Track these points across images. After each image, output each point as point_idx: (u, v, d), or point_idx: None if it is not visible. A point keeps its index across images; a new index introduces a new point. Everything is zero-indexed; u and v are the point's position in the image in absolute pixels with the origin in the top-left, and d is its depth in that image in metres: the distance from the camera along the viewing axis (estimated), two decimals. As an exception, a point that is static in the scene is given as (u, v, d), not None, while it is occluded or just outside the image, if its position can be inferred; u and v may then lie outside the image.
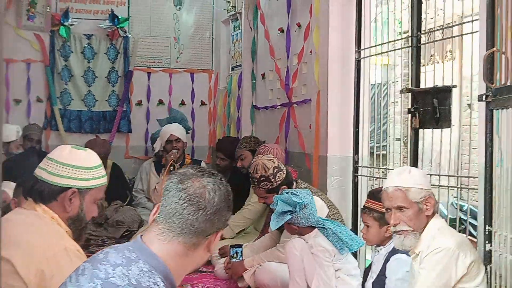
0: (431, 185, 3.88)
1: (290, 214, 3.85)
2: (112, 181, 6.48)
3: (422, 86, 4.07)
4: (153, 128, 7.77)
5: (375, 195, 3.42)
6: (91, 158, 2.42)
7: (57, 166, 2.33)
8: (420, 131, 4.16)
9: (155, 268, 1.66)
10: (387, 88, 6.15)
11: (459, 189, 3.69)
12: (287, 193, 3.91)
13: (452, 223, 5.08)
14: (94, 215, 2.47)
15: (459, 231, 3.60)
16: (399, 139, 7.12)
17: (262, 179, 4.23)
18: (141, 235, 1.75)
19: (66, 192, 2.33)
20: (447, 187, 3.98)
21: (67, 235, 2.32)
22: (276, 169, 4.25)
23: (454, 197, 6.31)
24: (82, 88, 7.81)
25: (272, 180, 4.23)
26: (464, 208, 5.92)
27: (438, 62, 5.77)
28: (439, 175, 4.07)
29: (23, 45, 7.48)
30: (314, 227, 3.94)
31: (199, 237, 1.71)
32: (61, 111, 7.70)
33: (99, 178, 2.41)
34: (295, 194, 3.87)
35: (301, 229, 3.96)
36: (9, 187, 3.35)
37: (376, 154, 5.02)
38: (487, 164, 3.00)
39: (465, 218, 4.08)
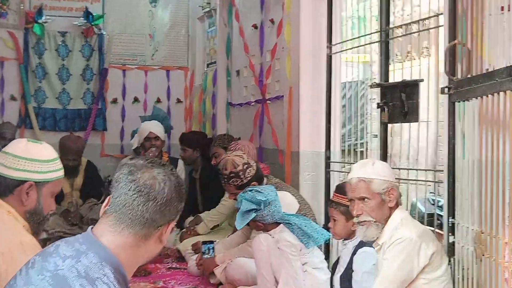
0: (408, 179, 3.93)
1: (255, 212, 3.86)
2: (86, 179, 6.47)
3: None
4: (128, 126, 7.74)
5: (341, 189, 3.44)
6: (48, 151, 2.40)
7: (13, 159, 2.32)
8: (398, 127, 4.18)
9: (105, 260, 1.64)
10: (365, 85, 6.17)
11: (435, 184, 3.69)
12: (250, 191, 3.92)
13: (429, 218, 5.13)
14: (52, 209, 2.45)
15: (436, 226, 3.63)
16: (376, 136, 7.14)
17: (231, 175, 4.23)
18: (92, 227, 1.73)
19: (23, 186, 2.31)
20: (424, 181, 3.99)
21: (24, 229, 2.30)
22: (246, 165, 4.25)
23: (431, 192, 6.35)
24: (57, 86, 7.75)
25: (242, 176, 4.23)
26: (441, 204, 5.96)
27: (414, 59, 5.80)
28: (416, 170, 4.07)
29: (-4, 43, 7.41)
30: (280, 223, 3.95)
31: (150, 228, 1.70)
32: (35, 109, 7.64)
33: (56, 171, 2.40)
34: (259, 192, 3.88)
35: (266, 226, 3.97)
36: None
37: (354, 151, 5.03)
38: (450, 157, 3.02)
39: (441, 214, 4.11)
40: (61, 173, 2.43)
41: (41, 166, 2.34)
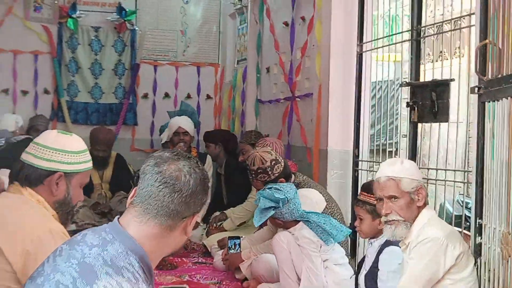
0: (437, 179, 3.89)
1: (273, 210, 3.87)
2: (116, 172, 6.55)
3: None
4: (159, 121, 7.80)
5: (367, 187, 3.42)
6: (77, 142, 2.44)
7: (44, 150, 2.35)
8: (428, 127, 4.14)
9: (130, 249, 1.67)
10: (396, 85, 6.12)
11: (465, 185, 3.65)
12: (269, 188, 3.92)
13: (457, 220, 5.08)
14: (80, 199, 2.49)
15: (464, 228, 3.59)
16: (406, 136, 7.09)
17: (259, 171, 4.24)
18: (118, 217, 1.76)
19: (53, 176, 2.35)
20: (453, 182, 3.94)
21: (53, 218, 2.34)
22: (274, 162, 4.26)
23: (461, 194, 6.28)
24: (89, 80, 7.85)
25: (270, 172, 4.23)
26: (470, 205, 5.90)
27: (447, 59, 5.74)
28: (445, 170, 4.03)
29: (31, 37, 7.54)
30: (299, 221, 3.95)
31: (174, 219, 1.73)
32: (68, 103, 7.76)
33: (85, 162, 2.43)
34: (278, 190, 3.88)
35: (285, 223, 3.98)
36: (5, 174, 3.38)
37: (383, 150, 5.00)
38: (479, 157, 2.99)
39: (470, 215, 4.06)
40: (89, 164, 2.47)
41: (71, 157, 2.38)
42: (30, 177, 2.34)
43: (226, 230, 5.55)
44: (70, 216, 2.44)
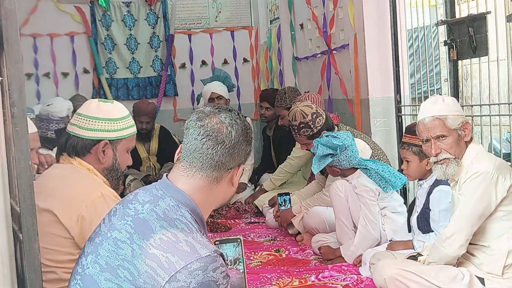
0: (482, 116, 3.84)
1: (331, 157, 3.87)
2: (161, 144, 6.64)
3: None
4: (198, 89, 7.84)
5: (411, 130, 3.39)
6: (119, 109, 2.48)
7: (86, 120, 2.41)
8: (468, 65, 4.06)
9: (181, 202, 1.72)
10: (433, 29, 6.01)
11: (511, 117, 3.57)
12: (327, 136, 3.93)
13: (506, 158, 5.01)
14: (129, 164, 2.55)
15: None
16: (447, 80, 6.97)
17: (301, 125, 4.25)
18: (167, 174, 1.81)
19: (99, 144, 2.41)
20: (498, 115, 3.87)
21: (104, 183, 2.41)
22: (315, 115, 4.26)
23: (508, 132, 6.18)
24: (126, 56, 7.92)
25: (312, 125, 4.24)
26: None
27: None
28: (489, 105, 3.95)
29: (65, 19, 7.60)
30: (357, 168, 3.95)
31: (220, 171, 1.76)
32: (108, 80, 7.84)
33: (128, 128, 2.48)
34: (335, 137, 3.89)
35: (343, 171, 3.98)
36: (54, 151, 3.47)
37: (425, 97, 4.93)
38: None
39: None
40: (133, 129, 2.52)
41: (114, 124, 2.43)
42: (76, 147, 2.41)
43: (266, 191, 5.61)
44: (121, 181, 2.51)
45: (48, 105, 6.22)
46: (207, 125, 1.75)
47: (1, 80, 1.84)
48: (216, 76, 7.25)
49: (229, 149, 1.75)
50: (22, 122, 1.68)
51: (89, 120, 2.41)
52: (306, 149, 4.47)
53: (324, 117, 4.31)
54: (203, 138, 1.74)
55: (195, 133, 1.76)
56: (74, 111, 6.76)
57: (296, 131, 4.31)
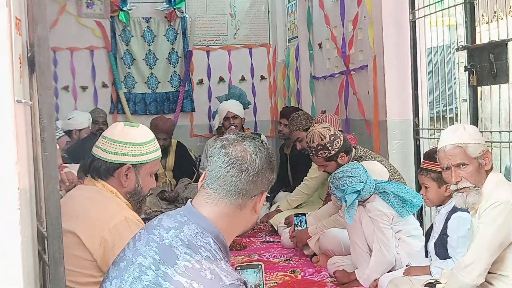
0: (501, 142, 3.83)
1: (357, 199, 3.86)
2: (177, 159, 6.69)
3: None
4: (215, 105, 7.89)
5: (430, 155, 3.39)
6: (144, 133, 2.49)
7: (111, 144, 2.43)
8: (487, 89, 4.06)
9: (205, 229, 1.74)
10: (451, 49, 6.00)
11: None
12: (340, 178, 3.89)
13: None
14: (153, 186, 2.57)
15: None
16: (466, 100, 6.96)
17: (319, 147, 4.26)
18: (191, 200, 1.83)
19: (121, 168, 2.43)
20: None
21: (127, 207, 2.43)
22: (333, 137, 4.27)
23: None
24: (145, 71, 7.99)
25: (330, 148, 4.25)
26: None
27: (502, 18, 5.60)
28: (510, 132, 3.94)
29: (85, 33, 7.71)
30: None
31: (244, 198, 1.78)
32: (126, 95, 7.92)
33: (152, 152, 2.49)
34: (351, 177, 3.86)
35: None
36: (75, 169, 3.51)
37: (443, 117, 4.94)
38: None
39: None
40: (158, 153, 2.53)
41: (138, 149, 2.44)
42: (99, 170, 2.43)
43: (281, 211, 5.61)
44: (143, 204, 2.52)
45: (69, 119, 6.30)
46: (231, 153, 1.78)
47: (31, 104, 1.88)
48: (232, 94, 7.30)
49: (253, 176, 1.77)
50: (51, 147, 1.70)
51: (113, 144, 2.43)
52: (324, 171, 4.48)
53: (342, 139, 4.32)
54: (227, 166, 1.76)
55: (220, 161, 1.78)
56: (94, 123, 6.86)
57: (313, 152, 4.32)
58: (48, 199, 1.72)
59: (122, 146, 2.43)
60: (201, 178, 1.85)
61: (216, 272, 1.62)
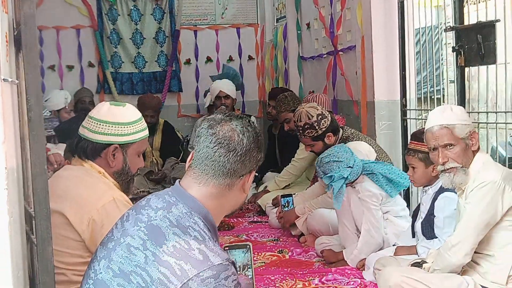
0: (488, 123, 3.85)
1: (344, 184, 3.86)
2: (164, 139, 6.68)
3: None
4: (203, 85, 7.86)
5: (417, 136, 3.41)
6: (130, 112, 2.47)
7: (97, 123, 2.41)
8: (474, 70, 4.06)
9: (193, 209, 1.74)
10: (439, 29, 6.00)
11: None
12: (327, 162, 3.88)
13: (510, 162, 5.02)
14: (141, 166, 2.55)
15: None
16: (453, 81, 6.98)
17: (306, 126, 4.26)
18: (179, 181, 1.82)
19: (108, 148, 2.41)
20: (504, 124, 3.88)
21: (115, 187, 2.42)
22: (320, 116, 4.27)
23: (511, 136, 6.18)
24: (132, 51, 7.92)
25: (317, 127, 4.25)
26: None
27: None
28: (496, 112, 3.96)
29: (71, 12, 7.61)
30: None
31: (232, 178, 1.78)
32: (112, 75, 7.85)
33: (139, 131, 2.47)
34: (338, 161, 3.85)
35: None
36: (61, 149, 3.48)
37: (431, 98, 4.95)
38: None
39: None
40: (145, 132, 2.50)
41: (125, 128, 2.42)
42: (86, 151, 2.41)
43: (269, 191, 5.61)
44: (131, 184, 2.51)
45: (45, 100, 6.23)
46: (218, 133, 1.77)
47: (17, 83, 1.86)
48: (226, 73, 7.27)
49: (241, 156, 1.77)
50: (39, 126, 1.69)
51: (100, 124, 2.40)
52: (310, 151, 4.48)
53: (329, 119, 4.32)
54: (215, 146, 1.75)
55: (207, 141, 1.77)
56: (81, 103, 6.82)
57: (300, 131, 4.31)
58: (36, 179, 1.71)
59: (109, 126, 2.40)
60: (188, 159, 1.84)
61: (204, 252, 1.62)
